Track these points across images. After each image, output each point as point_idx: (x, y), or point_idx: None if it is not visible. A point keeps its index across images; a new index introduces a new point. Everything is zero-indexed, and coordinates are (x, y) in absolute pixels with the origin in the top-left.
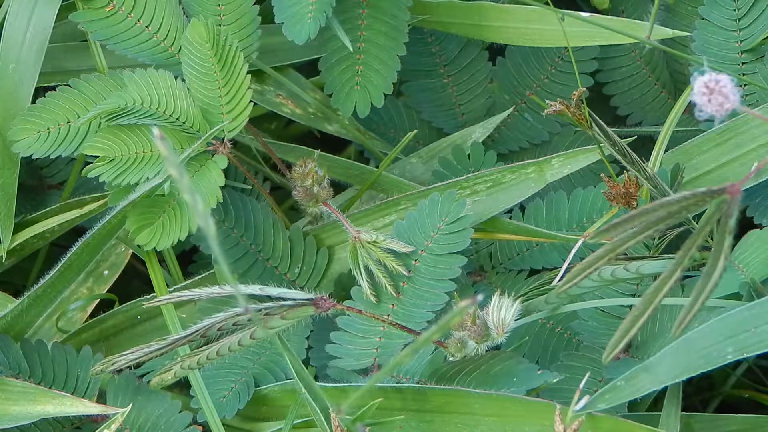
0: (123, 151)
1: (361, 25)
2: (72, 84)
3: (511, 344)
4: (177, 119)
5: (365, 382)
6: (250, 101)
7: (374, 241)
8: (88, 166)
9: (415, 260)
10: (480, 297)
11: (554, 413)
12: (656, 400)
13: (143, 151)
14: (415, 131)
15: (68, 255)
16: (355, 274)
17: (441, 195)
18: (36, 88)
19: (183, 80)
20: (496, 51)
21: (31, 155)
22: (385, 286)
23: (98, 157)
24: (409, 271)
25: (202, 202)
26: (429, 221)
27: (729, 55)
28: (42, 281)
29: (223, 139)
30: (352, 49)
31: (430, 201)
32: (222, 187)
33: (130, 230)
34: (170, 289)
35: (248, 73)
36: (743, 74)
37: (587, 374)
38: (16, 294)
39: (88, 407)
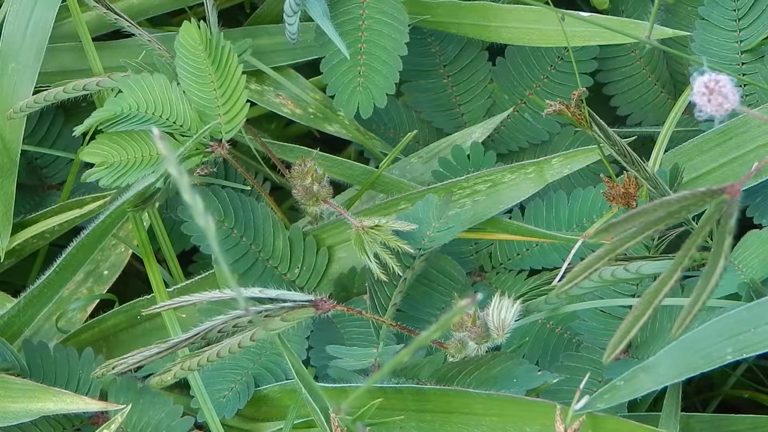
0: (121, 156)
1: (362, 26)
2: None
3: (511, 345)
4: (174, 122)
5: (365, 383)
6: (247, 101)
7: (377, 225)
8: (87, 171)
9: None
10: (480, 296)
11: (554, 413)
12: (656, 400)
13: (141, 155)
14: (415, 131)
15: (64, 255)
16: (362, 258)
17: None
18: (35, 88)
19: (178, 83)
20: (496, 51)
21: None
22: (392, 268)
23: None
24: (414, 259)
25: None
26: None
27: (729, 55)
28: (39, 281)
29: (221, 140)
30: (348, 57)
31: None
32: (222, 188)
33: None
34: (170, 290)
35: (245, 73)
36: (743, 74)
37: (587, 374)
38: (16, 294)
39: (89, 404)
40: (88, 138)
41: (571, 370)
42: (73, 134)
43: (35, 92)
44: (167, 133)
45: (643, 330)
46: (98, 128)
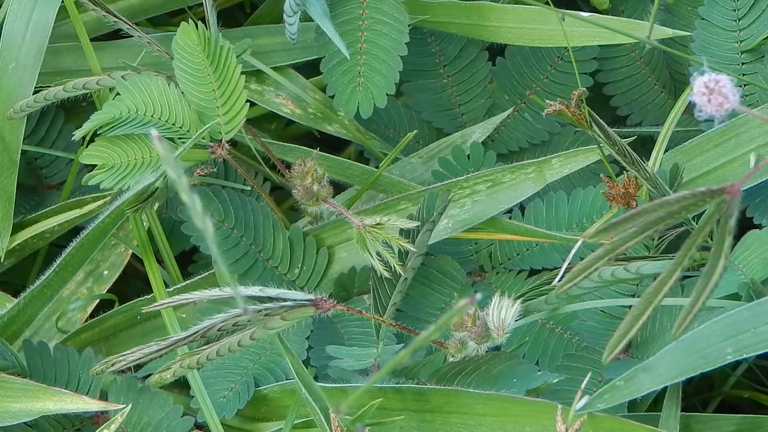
0: (122, 158)
1: (361, 26)
2: None
3: (511, 345)
4: (173, 124)
5: (365, 383)
6: (247, 101)
7: (379, 224)
8: (88, 174)
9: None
10: (479, 296)
11: (555, 413)
12: (656, 400)
13: (142, 157)
14: (415, 131)
15: (64, 255)
16: (365, 256)
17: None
18: (35, 88)
19: (176, 84)
20: (496, 51)
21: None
22: (394, 266)
23: None
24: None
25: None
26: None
27: (729, 55)
28: (39, 281)
29: (221, 140)
30: (348, 57)
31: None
32: (222, 188)
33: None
34: (170, 289)
35: (244, 73)
36: (743, 74)
37: (588, 375)
38: (16, 294)
39: (89, 404)
40: (87, 139)
41: (571, 370)
42: (73, 138)
43: (35, 92)
44: (167, 136)
45: (643, 330)
46: (97, 131)
